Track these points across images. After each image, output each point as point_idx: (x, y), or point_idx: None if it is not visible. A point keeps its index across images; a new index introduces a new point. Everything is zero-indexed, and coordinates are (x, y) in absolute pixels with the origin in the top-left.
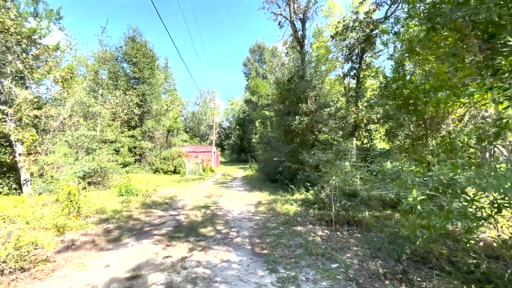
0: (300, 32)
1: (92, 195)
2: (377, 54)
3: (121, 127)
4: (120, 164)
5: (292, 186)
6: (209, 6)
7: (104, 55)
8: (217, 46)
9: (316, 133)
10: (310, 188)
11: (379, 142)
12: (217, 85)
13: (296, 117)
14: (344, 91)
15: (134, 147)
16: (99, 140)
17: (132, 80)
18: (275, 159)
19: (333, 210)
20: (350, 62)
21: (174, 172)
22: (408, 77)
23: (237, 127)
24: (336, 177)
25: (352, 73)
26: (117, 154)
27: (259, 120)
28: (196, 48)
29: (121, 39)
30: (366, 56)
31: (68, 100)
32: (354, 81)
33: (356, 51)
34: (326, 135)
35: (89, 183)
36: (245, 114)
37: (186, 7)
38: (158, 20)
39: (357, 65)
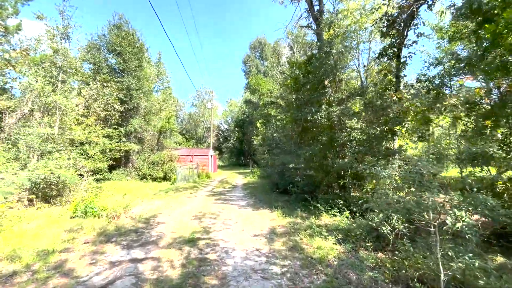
0: (316, 7)
1: (31, 217)
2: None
3: (96, 125)
4: (90, 171)
5: (318, 205)
6: (207, 6)
7: (65, 30)
8: (215, 48)
9: (348, 129)
10: (345, 209)
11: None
12: (215, 88)
13: (323, 107)
14: (359, 85)
15: (110, 150)
16: (60, 140)
17: (118, 74)
18: (290, 165)
19: (442, 274)
20: (388, 37)
21: (164, 178)
22: None
23: (236, 129)
24: (462, 210)
25: (390, 52)
26: (87, 158)
27: (260, 121)
28: (194, 48)
29: (105, 26)
30: (412, 27)
31: (28, 92)
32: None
33: (396, 23)
34: (361, 133)
35: (43, 198)
36: (245, 116)
37: (185, 7)
38: (155, 21)
39: (398, 40)
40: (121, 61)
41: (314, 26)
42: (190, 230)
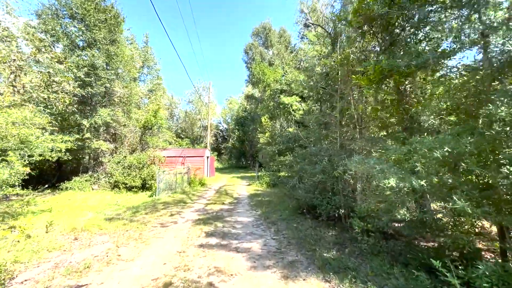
0: None
1: None
2: None
3: (19, 108)
4: None
5: None
6: (206, 3)
7: None
8: (213, 46)
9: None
10: None
11: None
12: (214, 88)
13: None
14: None
15: (36, 151)
16: None
17: (84, 51)
18: (391, 184)
19: None
20: None
21: (143, 187)
22: None
23: (237, 127)
24: None
25: None
26: None
27: (266, 116)
28: (191, 44)
29: None
30: None
31: None
32: None
33: None
34: None
35: None
36: (246, 113)
37: (185, 6)
38: (154, 19)
39: None
40: (83, 28)
41: None
42: None
